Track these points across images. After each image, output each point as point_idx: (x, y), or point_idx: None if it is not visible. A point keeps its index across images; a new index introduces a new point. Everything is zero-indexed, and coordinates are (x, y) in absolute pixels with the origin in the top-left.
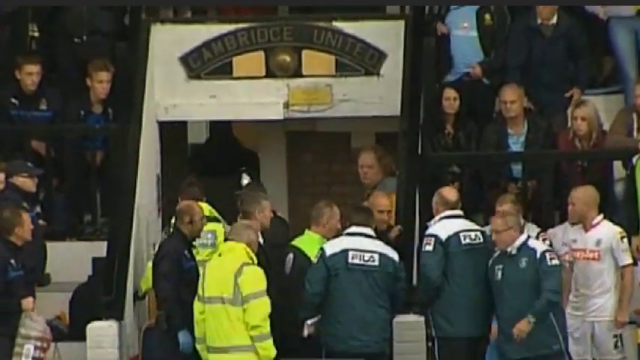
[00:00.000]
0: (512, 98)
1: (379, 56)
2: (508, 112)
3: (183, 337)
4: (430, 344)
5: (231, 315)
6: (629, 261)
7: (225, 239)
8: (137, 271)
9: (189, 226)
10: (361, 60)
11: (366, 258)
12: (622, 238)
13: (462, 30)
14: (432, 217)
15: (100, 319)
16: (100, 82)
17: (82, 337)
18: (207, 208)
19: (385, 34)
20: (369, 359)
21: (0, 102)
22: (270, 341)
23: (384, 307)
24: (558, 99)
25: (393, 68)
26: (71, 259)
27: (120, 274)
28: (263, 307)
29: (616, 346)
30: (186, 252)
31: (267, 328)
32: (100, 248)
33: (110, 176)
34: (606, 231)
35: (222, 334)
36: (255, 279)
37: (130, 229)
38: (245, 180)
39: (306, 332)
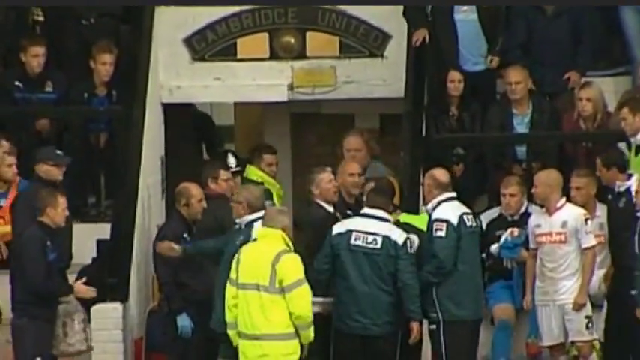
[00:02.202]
0: (517, 79)
1: (383, 38)
2: (513, 93)
3: (181, 320)
4: (433, 327)
5: (265, 302)
6: (592, 243)
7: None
8: (141, 253)
9: (185, 208)
10: (365, 41)
11: (369, 240)
12: (586, 220)
13: (462, 14)
14: None
15: (104, 300)
16: (104, 64)
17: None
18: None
19: (389, 16)
20: (371, 341)
21: (4, 85)
22: (312, 328)
23: (386, 291)
24: (562, 79)
25: (398, 50)
26: (75, 241)
27: (124, 256)
28: (306, 295)
29: (587, 327)
30: (185, 234)
31: (311, 317)
32: (105, 230)
33: (114, 158)
34: (570, 213)
35: (254, 321)
36: (296, 266)
37: (134, 211)
38: (231, 160)
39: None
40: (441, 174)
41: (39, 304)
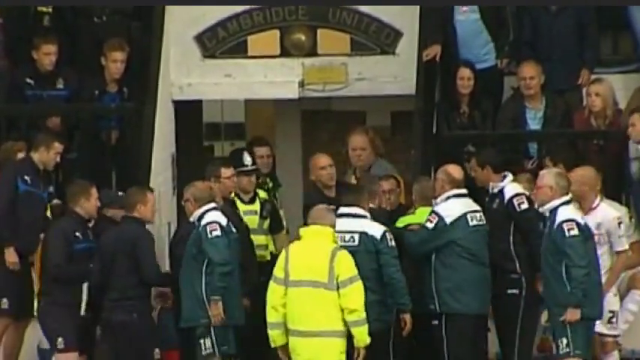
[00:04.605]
0: (531, 74)
1: (395, 35)
2: (527, 88)
3: None
4: (435, 322)
5: (327, 299)
6: (625, 247)
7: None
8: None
9: None
10: (377, 38)
11: (346, 239)
12: (619, 223)
13: (463, 14)
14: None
15: None
16: (114, 62)
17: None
18: None
19: (401, 13)
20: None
21: (15, 82)
22: (367, 327)
23: (368, 288)
24: (568, 76)
25: (409, 47)
26: None
27: None
28: (360, 291)
29: (610, 322)
30: None
31: (364, 313)
32: None
33: (125, 155)
34: (605, 215)
35: (312, 318)
36: (350, 263)
37: None
38: (247, 159)
39: None
40: (454, 170)
41: (59, 289)
